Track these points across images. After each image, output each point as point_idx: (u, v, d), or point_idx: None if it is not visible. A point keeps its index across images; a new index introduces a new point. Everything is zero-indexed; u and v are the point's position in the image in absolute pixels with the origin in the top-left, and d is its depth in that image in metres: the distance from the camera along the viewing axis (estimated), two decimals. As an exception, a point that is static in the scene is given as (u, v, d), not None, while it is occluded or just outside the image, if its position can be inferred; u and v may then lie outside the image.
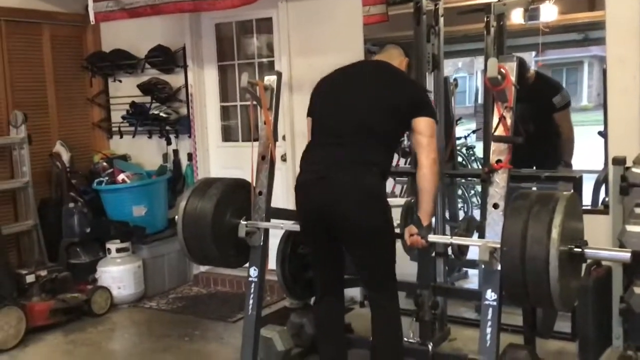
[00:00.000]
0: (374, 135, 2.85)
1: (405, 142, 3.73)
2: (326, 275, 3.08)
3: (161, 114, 5.30)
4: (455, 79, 5.24)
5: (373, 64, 3.14)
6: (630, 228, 2.95)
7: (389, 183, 4.91)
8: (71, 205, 5.00)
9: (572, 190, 3.53)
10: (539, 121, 4.22)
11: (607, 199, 3.64)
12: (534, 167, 4.00)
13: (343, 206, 2.78)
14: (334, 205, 2.79)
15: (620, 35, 3.55)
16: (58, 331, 4.31)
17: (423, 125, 2.83)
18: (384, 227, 2.87)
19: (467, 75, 8.72)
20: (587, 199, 3.98)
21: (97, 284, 4.76)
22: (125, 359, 3.96)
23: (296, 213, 3.02)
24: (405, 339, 3.14)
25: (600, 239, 3.16)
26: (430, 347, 3.31)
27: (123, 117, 5.53)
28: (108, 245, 4.86)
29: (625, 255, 2.57)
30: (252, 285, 3.31)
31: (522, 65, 4.31)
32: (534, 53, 5.53)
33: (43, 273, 4.45)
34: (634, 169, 3.19)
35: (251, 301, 3.31)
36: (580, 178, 3.70)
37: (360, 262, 2.98)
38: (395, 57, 3.11)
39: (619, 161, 3.25)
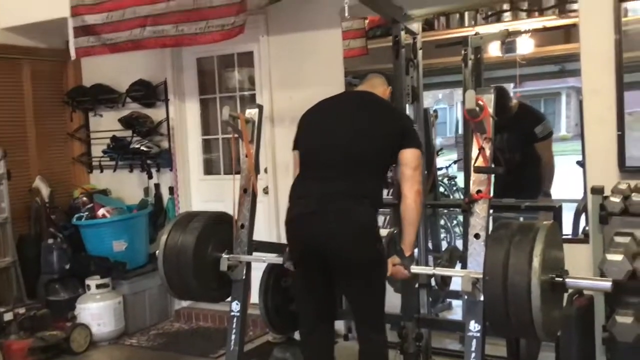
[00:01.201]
0: (363, 166, 2.83)
1: (388, 174, 3.74)
2: (317, 309, 3.02)
3: (142, 147, 5.29)
4: (435, 111, 5.32)
5: (358, 95, 3.14)
6: (610, 257, 2.97)
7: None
8: (50, 241, 4.93)
9: (552, 220, 3.55)
10: (521, 150, 4.27)
11: (587, 228, 3.67)
12: (516, 196, 4.03)
13: (336, 240, 2.75)
14: (326, 240, 2.76)
15: (595, 67, 3.61)
16: (36, 370, 4.22)
17: (409, 156, 2.83)
18: (376, 259, 2.83)
19: (447, 107, 8.83)
20: (567, 228, 4.01)
21: (76, 321, 4.67)
22: (104, 398, 3.88)
23: (288, 247, 2.98)
24: (390, 372, 3.11)
25: (581, 268, 3.18)
26: (415, 380, 3.28)
27: (104, 152, 5.50)
28: (88, 282, 4.79)
29: (606, 284, 2.59)
30: (235, 320, 3.27)
31: (504, 95, 4.40)
32: (512, 85, 5.62)
33: (21, 310, 4.38)
34: (612, 198, 3.22)
35: (233, 336, 3.26)
36: (560, 207, 3.74)
37: (352, 296, 2.96)
38: (379, 86, 3.12)
39: (598, 190, 3.29)
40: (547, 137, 4.46)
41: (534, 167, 4.47)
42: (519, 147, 4.28)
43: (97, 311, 4.72)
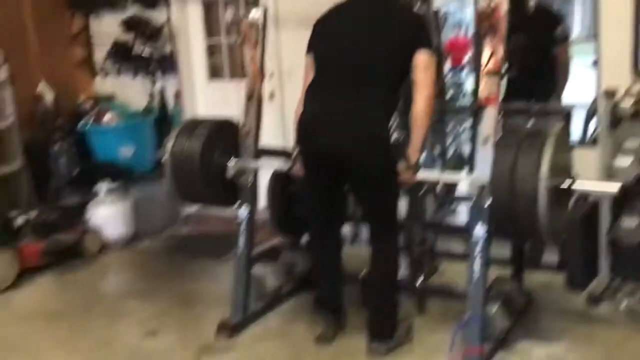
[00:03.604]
0: (378, 74, 2.79)
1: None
2: (327, 214, 3.07)
3: (145, 51, 5.19)
4: (445, 13, 5.14)
5: None
6: (619, 161, 2.96)
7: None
8: (58, 146, 4.95)
9: (562, 124, 3.51)
10: (537, 53, 4.15)
11: (597, 132, 3.63)
12: (529, 100, 3.96)
13: (348, 148, 2.75)
14: (339, 147, 2.76)
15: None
16: (50, 272, 4.33)
17: (420, 60, 2.76)
18: (389, 166, 2.83)
19: (458, 8, 8.57)
20: (577, 132, 3.97)
21: (87, 225, 4.76)
22: (118, 298, 4.00)
23: (299, 150, 2.97)
24: (395, 274, 3.18)
25: (589, 172, 3.17)
26: (419, 282, 3.35)
27: (107, 56, 5.41)
28: (97, 187, 4.83)
29: (613, 188, 2.59)
30: (243, 225, 3.32)
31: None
32: (525, -17, 5.39)
33: (33, 215, 4.43)
34: (624, 102, 3.17)
35: (242, 239, 3.33)
36: (571, 111, 3.68)
37: (364, 201, 3.00)
38: None
39: (609, 94, 3.23)
40: (565, 40, 4.33)
41: (549, 70, 4.36)
42: (535, 50, 4.15)
43: (107, 216, 4.78)
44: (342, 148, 2.76)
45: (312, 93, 2.92)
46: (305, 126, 2.88)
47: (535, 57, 4.02)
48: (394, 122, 2.89)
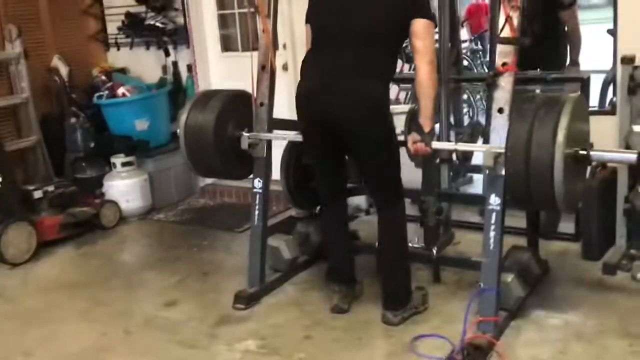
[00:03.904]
0: (374, 40, 2.79)
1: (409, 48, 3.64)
2: (330, 183, 3.11)
3: (157, 24, 5.16)
4: (460, -21, 5.05)
5: None
6: (637, 128, 2.93)
7: (394, 90, 4.84)
8: (73, 120, 4.97)
9: (579, 92, 3.46)
10: (545, 20, 4.09)
11: (614, 99, 3.58)
12: (540, 68, 3.91)
13: (345, 113, 2.76)
14: (335, 113, 2.77)
15: None
16: (69, 245, 4.39)
17: (418, 27, 2.75)
18: (386, 133, 2.86)
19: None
20: (594, 100, 3.91)
21: (104, 198, 4.80)
22: (136, 269, 4.05)
23: (298, 121, 3.00)
24: (410, 244, 3.19)
25: (606, 140, 3.14)
26: (434, 252, 3.36)
27: (119, 29, 5.39)
28: (113, 160, 4.86)
29: (631, 156, 2.56)
30: (258, 197, 3.33)
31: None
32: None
33: (50, 188, 4.48)
34: (643, 68, 3.11)
35: (257, 212, 3.34)
36: (588, 79, 3.62)
37: (364, 169, 3.01)
38: None
39: (628, 60, 3.18)
40: (572, 4, 4.26)
41: (558, 37, 4.29)
42: (543, 16, 4.08)
43: (124, 188, 4.82)
44: (338, 114, 2.77)
45: (309, 62, 2.94)
46: (302, 94, 2.90)
47: (542, 23, 3.96)
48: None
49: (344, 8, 2.85)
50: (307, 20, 3.01)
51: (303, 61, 2.97)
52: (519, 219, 3.30)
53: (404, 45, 3.07)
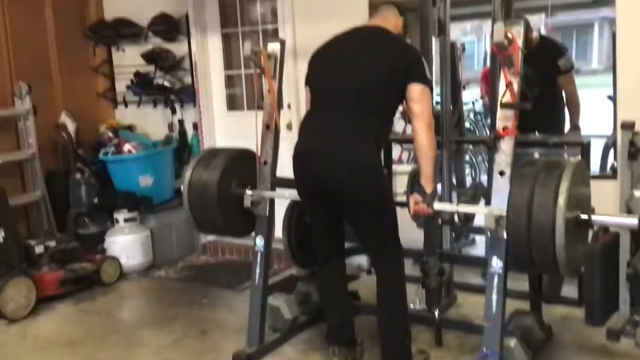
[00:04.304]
0: (369, 104, 2.82)
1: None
2: (326, 242, 3.10)
3: (165, 83, 5.27)
4: (462, 44, 5.18)
5: (368, 31, 3.06)
6: (638, 193, 2.93)
7: (396, 150, 4.89)
8: (78, 176, 5.02)
9: (579, 156, 3.50)
10: (543, 85, 4.16)
11: (615, 164, 3.61)
12: (539, 133, 3.96)
13: (337, 177, 2.77)
14: (328, 176, 2.79)
15: (631, -3, 3.47)
16: (68, 301, 4.36)
17: (414, 92, 2.79)
18: (379, 196, 2.85)
19: (475, 39, 8.60)
20: (595, 164, 3.94)
21: (106, 254, 4.79)
22: (135, 327, 4.01)
23: (295, 181, 3.01)
24: (412, 306, 3.16)
25: (608, 205, 3.15)
26: (436, 314, 3.32)
27: (127, 87, 5.50)
28: (116, 215, 4.88)
29: (633, 221, 2.55)
30: (259, 255, 3.33)
31: (526, 27, 4.25)
32: (543, 15, 5.42)
33: (52, 243, 4.49)
34: (643, 134, 3.15)
35: (258, 270, 3.33)
36: (589, 143, 3.66)
37: (358, 231, 3.00)
38: (391, 19, 3.05)
39: (628, 126, 3.21)
40: (570, 70, 4.37)
41: (556, 101, 4.37)
42: (542, 82, 4.16)
43: (125, 244, 4.83)
44: (332, 177, 2.78)
45: (306, 123, 2.97)
46: (298, 156, 2.92)
47: (541, 88, 4.03)
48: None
49: (341, 72, 2.90)
50: (307, 83, 3.06)
51: (301, 122, 3.02)
52: (522, 282, 3.28)
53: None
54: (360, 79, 2.84)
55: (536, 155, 3.72)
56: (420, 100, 2.79)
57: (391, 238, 2.95)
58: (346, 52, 2.96)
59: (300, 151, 2.91)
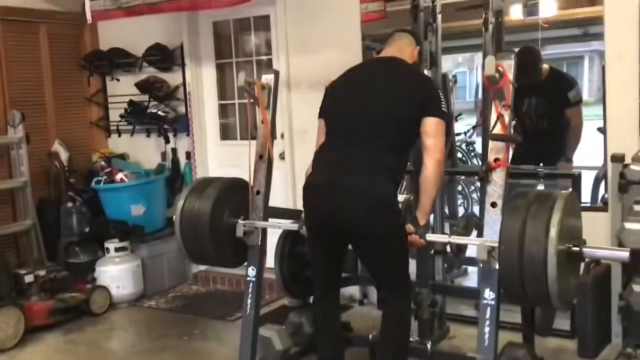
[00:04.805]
0: (385, 138, 2.80)
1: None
2: (327, 275, 3.06)
3: (159, 112, 5.29)
4: (454, 75, 5.22)
5: (385, 63, 3.04)
6: (629, 225, 2.92)
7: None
8: (70, 204, 4.99)
9: (570, 188, 3.51)
10: (552, 116, 4.18)
11: (606, 196, 3.62)
12: (539, 162, 3.97)
13: (351, 212, 2.73)
14: (342, 211, 2.75)
15: (619, 31, 3.53)
16: (57, 331, 4.31)
17: (429, 125, 2.77)
18: (393, 233, 2.80)
19: (467, 71, 8.69)
20: (586, 196, 3.96)
21: (96, 284, 4.75)
22: (124, 358, 3.96)
23: (304, 213, 2.98)
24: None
25: (599, 237, 3.15)
26: (429, 346, 3.30)
27: (121, 116, 5.52)
28: (107, 245, 4.85)
29: (624, 254, 2.56)
30: (251, 285, 3.31)
31: (536, 57, 4.28)
32: (533, 48, 5.47)
33: (42, 273, 4.45)
34: (632, 166, 3.17)
35: (249, 300, 3.30)
36: (579, 175, 3.68)
37: (370, 266, 2.99)
38: (406, 48, 3.04)
39: (618, 158, 3.23)
40: (579, 103, 4.36)
41: (561, 133, 4.38)
42: (549, 112, 4.18)
43: (116, 274, 4.79)
44: (345, 213, 2.74)
45: (320, 156, 2.94)
46: (310, 189, 2.88)
47: (549, 120, 4.05)
48: (403, 183, 2.89)
49: (359, 105, 2.88)
50: (321, 115, 3.03)
51: (314, 154, 2.96)
52: (515, 314, 3.26)
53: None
54: (376, 113, 2.83)
55: (540, 187, 3.72)
56: (435, 134, 2.76)
57: (403, 276, 2.92)
58: (363, 85, 2.95)
59: (314, 183, 2.87)
